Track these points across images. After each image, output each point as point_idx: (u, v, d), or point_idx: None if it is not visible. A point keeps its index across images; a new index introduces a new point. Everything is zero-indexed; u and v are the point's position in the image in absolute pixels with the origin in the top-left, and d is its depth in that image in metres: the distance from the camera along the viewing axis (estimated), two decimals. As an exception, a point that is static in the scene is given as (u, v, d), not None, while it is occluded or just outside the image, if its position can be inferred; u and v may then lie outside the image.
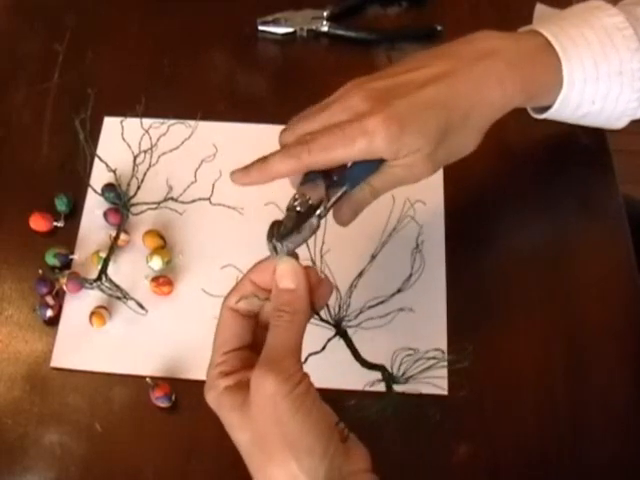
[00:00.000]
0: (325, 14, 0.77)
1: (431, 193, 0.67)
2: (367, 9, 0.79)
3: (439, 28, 0.75)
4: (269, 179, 0.53)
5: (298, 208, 0.50)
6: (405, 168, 0.52)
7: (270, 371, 0.41)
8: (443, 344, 0.60)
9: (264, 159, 0.53)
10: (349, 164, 0.52)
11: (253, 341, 0.47)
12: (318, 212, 0.50)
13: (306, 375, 0.43)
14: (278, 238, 0.49)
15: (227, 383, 0.45)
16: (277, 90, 0.74)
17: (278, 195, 0.67)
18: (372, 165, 0.52)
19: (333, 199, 0.51)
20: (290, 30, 0.77)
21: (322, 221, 0.50)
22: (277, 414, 0.41)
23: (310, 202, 0.50)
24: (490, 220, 0.67)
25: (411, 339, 0.46)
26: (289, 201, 0.51)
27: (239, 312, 0.47)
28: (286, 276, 0.46)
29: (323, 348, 0.45)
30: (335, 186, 0.52)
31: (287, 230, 0.49)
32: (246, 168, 0.53)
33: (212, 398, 0.45)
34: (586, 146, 0.69)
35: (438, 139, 0.51)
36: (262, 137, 0.70)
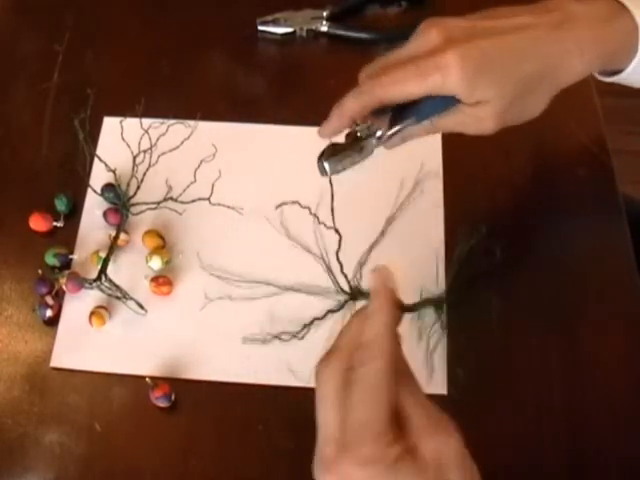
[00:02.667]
0: (325, 14, 0.77)
1: (431, 187, 0.67)
2: (367, 9, 0.79)
3: (439, 28, 0.75)
4: (348, 119, 0.51)
5: (359, 134, 0.50)
6: (473, 118, 0.51)
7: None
8: (443, 352, 0.60)
9: (339, 102, 0.52)
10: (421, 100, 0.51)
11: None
12: (377, 134, 0.49)
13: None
14: (327, 157, 0.48)
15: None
16: (276, 90, 0.74)
17: (277, 196, 0.68)
18: (443, 105, 0.51)
19: (396, 128, 0.51)
20: (290, 30, 0.77)
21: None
22: None
23: (370, 127, 0.50)
24: (489, 220, 0.67)
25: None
26: (350, 130, 0.51)
27: None
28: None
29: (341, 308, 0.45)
30: (403, 117, 0.51)
31: (342, 148, 0.48)
32: (327, 119, 0.52)
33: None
34: (586, 146, 0.69)
35: (513, 93, 0.50)
36: (261, 137, 0.71)
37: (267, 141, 0.71)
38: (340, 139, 0.52)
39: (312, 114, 0.71)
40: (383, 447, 0.40)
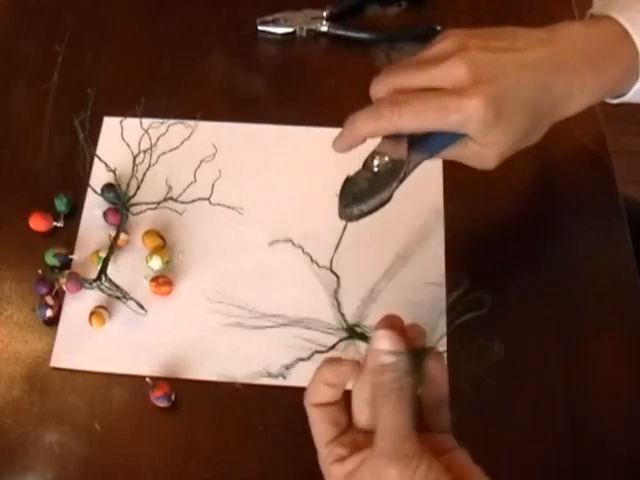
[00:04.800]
0: (325, 14, 0.77)
1: (431, 190, 0.67)
2: (367, 9, 0.79)
3: (439, 28, 0.75)
4: (360, 140, 0.51)
5: (376, 169, 0.49)
6: (476, 154, 0.51)
7: (390, 461, 0.40)
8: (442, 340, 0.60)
9: (352, 119, 0.51)
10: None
11: (350, 419, 0.45)
12: (400, 177, 0.48)
13: (425, 451, 0.41)
14: (351, 201, 0.47)
15: (346, 469, 0.42)
16: (276, 90, 0.74)
17: (277, 196, 0.68)
18: (453, 139, 0.51)
19: (412, 166, 0.50)
20: (290, 30, 0.77)
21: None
22: None
23: (389, 164, 0.48)
24: (489, 220, 0.67)
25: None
26: (367, 158, 0.50)
27: (323, 404, 0.44)
28: (385, 349, 0.42)
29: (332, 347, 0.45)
30: (417, 152, 0.50)
31: (362, 192, 0.47)
32: (340, 133, 0.52)
33: None
34: (586, 146, 0.69)
35: (520, 136, 0.51)
36: (261, 137, 0.71)
37: (267, 141, 0.71)
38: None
39: (312, 114, 0.71)
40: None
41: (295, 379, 0.58)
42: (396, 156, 0.49)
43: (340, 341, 0.45)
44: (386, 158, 0.49)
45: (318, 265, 0.48)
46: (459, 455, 0.43)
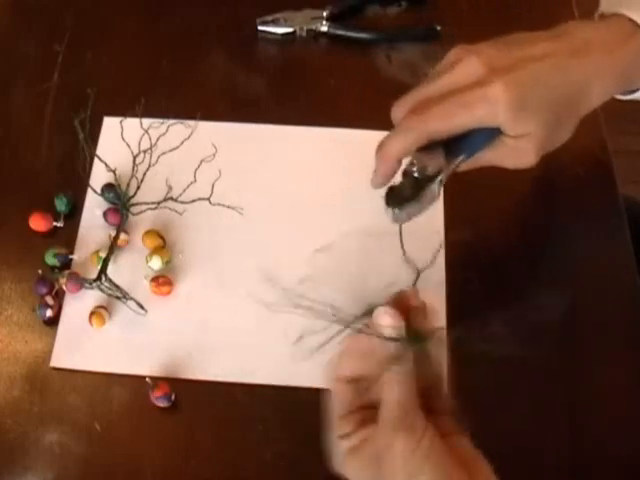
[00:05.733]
0: (325, 14, 0.77)
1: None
2: (367, 9, 0.79)
3: (439, 28, 0.75)
4: (396, 163, 0.50)
5: (416, 174, 0.49)
6: (514, 151, 0.51)
7: (395, 431, 0.41)
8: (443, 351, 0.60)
9: (380, 145, 0.51)
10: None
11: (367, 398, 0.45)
12: (439, 178, 0.49)
13: (429, 426, 0.42)
14: (396, 204, 0.48)
15: (351, 444, 0.43)
16: (276, 90, 0.74)
17: (277, 196, 0.68)
18: (489, 138, 0.51)
19: (452, 167, 0.50)
20: (290, 30, 0.77)
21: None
22: (407, 470, 0.41)
23: (428, 171, 0.49)
24: (488, 220, 0.67)
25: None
26: (406, 165, 0.50)
27: (348, 379, 0.45)
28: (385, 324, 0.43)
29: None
30: (453, 154, 0.50)
31: (406, 196, 0.48)
32: (375, 168, 0.51)
33: (338, 463, 0.44)
34: (586, 146, 0.69)
35: (550, 123, 0.50)
36: (261, 137, 0.71)
37: (267, 141, 0.71)
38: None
39: (312, 114, 0.71)
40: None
41: (295, 379, 0.58)
42: (433, 163, 0.50)
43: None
44: (425, 164, 0.49)
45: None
46: (461, 439, 0.44)
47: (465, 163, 0.52)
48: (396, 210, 0.48)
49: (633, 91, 0.57)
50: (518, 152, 0.51)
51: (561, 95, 0.51)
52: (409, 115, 0.50)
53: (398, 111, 0.51)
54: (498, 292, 0.63)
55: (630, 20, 0.53)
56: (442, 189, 0.51)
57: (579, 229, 0.66)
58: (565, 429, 0.58)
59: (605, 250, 0.65)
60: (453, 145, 0.50)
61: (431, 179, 0.49)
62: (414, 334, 0.43)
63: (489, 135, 0.51)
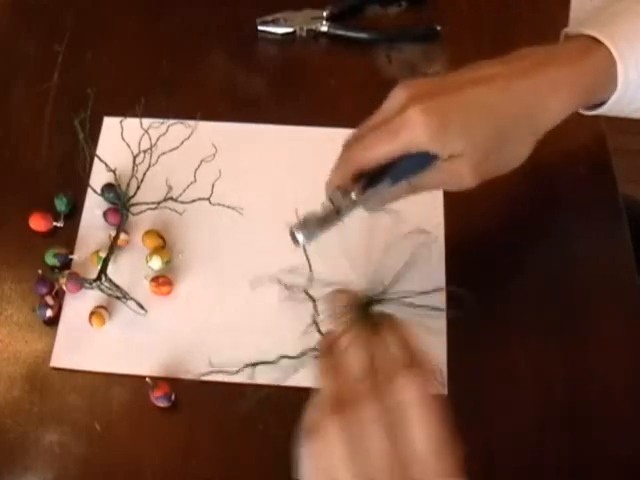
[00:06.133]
0: (325, 14, 0.77)
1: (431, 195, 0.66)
2: (367, 9, 0.79)
3: (438, 28, 0.75)
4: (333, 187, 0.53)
5: (331, 199, 0.52)
6: (451, 174, 0.52)
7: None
8: (443, 351, 0.60)
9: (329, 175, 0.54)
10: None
11: None
12: (352, 197, 0.51)
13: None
14: (298, 227, 0.50)
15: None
16: (276, 90, 0.74)
17: (277, 196, 0.68)
18: (419, 164, 0.52)
19: (370, 190, 0.52)
20: (290, 30, 0.77)
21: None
22: None
23: (353, 196, 0.51)
24: (488, 220, 0.67)
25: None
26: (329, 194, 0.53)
27: None
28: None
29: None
30: (377, 179, 0.52)
31: (311, 218, 0.51)
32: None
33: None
34: (586, 146, 0.69)
35: (486, 147, 0.51)
36: (261, 137, 0.71)
37: (267, 141, 0.71)
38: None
39: (312, 114, 0.71)
40: None
41: (295, 379, 0.58)
42: (346, 200, 0.52)
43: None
44: (348, 190, 0.52)
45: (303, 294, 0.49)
46: None
47: (405, 190, 0.53)
48: (303, 231, 0.51)
49: (597, 106, 0.57)
50: (453, 174, 0.52)
51: (502, 115, 0.50)
52: (342, 149, 0.53)
53: (343, 147, 0.54)
54: (498, 292, 0.63)
55: (592, 38, 0.53)
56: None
57: (579, 229, 0.66)
58: (565, 429, 0.58)
59: (605, 250, 0.65)
60: (386, 170, 0.52)
61: (343, 211, 0.52)
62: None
63: (420, 162, 0.51)
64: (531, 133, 0.52)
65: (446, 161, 0.51)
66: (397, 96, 0.51)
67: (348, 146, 0.53)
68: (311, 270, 0.50)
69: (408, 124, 0.49)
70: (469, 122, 0.50)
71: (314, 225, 0.51)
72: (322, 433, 0.40)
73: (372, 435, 0.39)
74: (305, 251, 0.51)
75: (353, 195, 0.51)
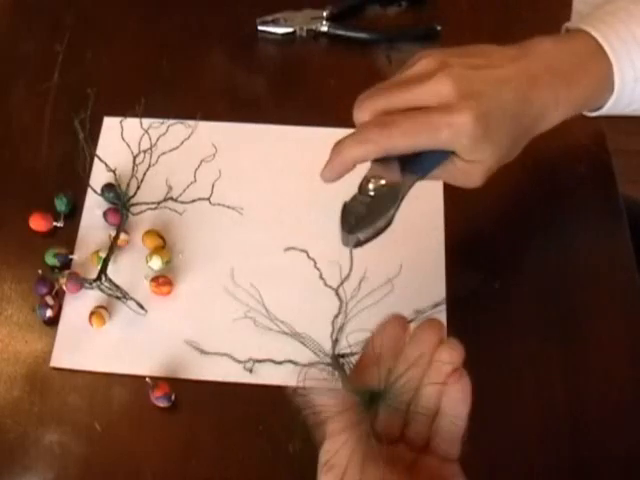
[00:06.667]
0: (325, 14, 0.77)
1: (431, 190, 0.67)
2: (367, 9, 0.79)
3: (438, 28, 0.75)
4: (349, 167, 0.50)
5: (372, 192, 0.48)
6: (463, 173, 0.52)
7: None
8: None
9: (338, 145, 0.50)
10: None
11: None
12: (398, 199, 0.48)
13: None
14: (353, 228, 0.47)
15: None
16: (276, 90, 0.74)
17: (277, 196, 0.68)
18: (442, 157, 0.51)
19: (408, 186, 0.49)
20: (290, 30, 0.77)
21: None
22: None
23: (384, 187, 0.48)
24: (488, 220, 0.67)
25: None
26: (361, 181, 0.49)
27: None
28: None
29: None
30: (410, 173, 0.50)
31: (362, 218, 0.47)
32: (327, 162, 0.50)
33: None
34: (586, 146, 0.69)
35: (504, 156, 0.51)
36: (261, 137, 0.71)
37: (267, 141, 0.71)
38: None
39: (312, 114, 0.71)
40: None
41: (295, 379, 0.58)
42: (390, 179, 0.49)
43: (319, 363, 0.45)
44: (382, 181, 0.48)
45: (325, 283, 0.48)
46: None
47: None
48: (351, 234, 0.47)
49: (598, 108, 0.58)
50: (467, 174, 0.52)
51: (519, 125, 0.51)
52: (372, 126, 0.50)
53: (362, 113, 0.50)
54: (498, 292, 0.63)
55: (593, 38, 0.54)
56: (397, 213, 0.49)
57: (579, 229, 0.66)
58: (565, 429, 0.58)
59: (605, 250, 0.65)
60: (407, 161, 0.50)
61: (387, 200, 0.48)
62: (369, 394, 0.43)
63: (444, 155, 0.51)
64: (528, 139, 0.53)
65: (465, 162, 0.50)
66: (443, 85, 0.49)
67: (378, 122, 0.49)
68: (351, 269, 0.48)
69: (456, 127, 0.48)
70: (501, 133, 0.50)
71: (364, 229, 0.47)
72: None
73: None
74: (350, 254, 0.48)
75: (399, 197, 0.48)
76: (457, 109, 0.48)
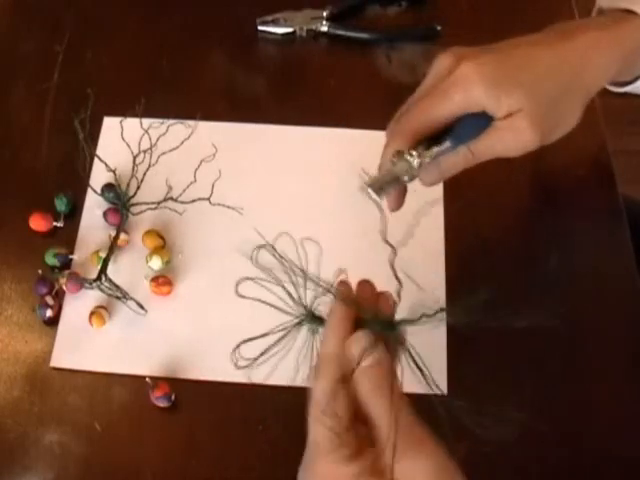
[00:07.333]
0: (325, 14, 0.77)
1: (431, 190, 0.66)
2: (367, 9, 0.79)
3: (438, 28, 0.75)
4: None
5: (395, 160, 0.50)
6: (510, 133, 0.50)
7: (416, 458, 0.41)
8: (443, 351, 0.60)
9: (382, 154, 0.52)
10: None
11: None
12: (415, 162, 0.49)
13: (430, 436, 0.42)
14: (369, 183, 0.49)
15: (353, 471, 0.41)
16: (276, 90, 0.74)
17: (277, 195, 0.68)
18: (477, 126, 0.51)
19: (433, 151, 0.50)
20: (290, 30, 0.77)
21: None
22: None
23: (412, 161, 0.50)
24: (488, 220, 0.67)
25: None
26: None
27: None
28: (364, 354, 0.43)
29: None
30: (437, 142, 0.51)
31: (379, 177, 0.50)
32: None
33: None
34: (586, 146, 0.69)
35: (543, 101, 0.50)
36: (261, 137, 0.71)
37: (267, 141, 0.71)
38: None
39: (312, 114, 0.71)
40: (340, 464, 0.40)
41: (295, 379, 0.58)
42: (419, 150, 0.50)
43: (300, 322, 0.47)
44: (408, 152, 0.50)
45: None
46: None
47: (464, 159, 0.52)
48: (366, 186, 0.49)
49: (627, 83, 0.57)
50: (514, 133, 0.50)
51: (551, 74, 0.50)
52: (396, 119, 0.52)
53: (391, 124, 0.53)
54: (498, 292, 0.63)
55: (629, 12, 0.53)
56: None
57: (579, 229, 0.66)
58: (565, 429, 0.58)
59: (605, 250, 0.65)
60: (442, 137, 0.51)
61: (403, 178, 0.50)
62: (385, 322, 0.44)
63: (478, 123, 0.51)
64: (580, 92, 0.52)
65: (504, 120, 0.50)
66: (443, 59, 0.51)
67: (397, 119, 0.52)
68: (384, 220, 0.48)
69: (462, 80, 0.49)
70: (523, 77, 0.49)
71: (382, 185, 0.49)
72: None
73: None
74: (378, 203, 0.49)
75: (414, 160, 0.49)
76: (456, 66, 0.49)
